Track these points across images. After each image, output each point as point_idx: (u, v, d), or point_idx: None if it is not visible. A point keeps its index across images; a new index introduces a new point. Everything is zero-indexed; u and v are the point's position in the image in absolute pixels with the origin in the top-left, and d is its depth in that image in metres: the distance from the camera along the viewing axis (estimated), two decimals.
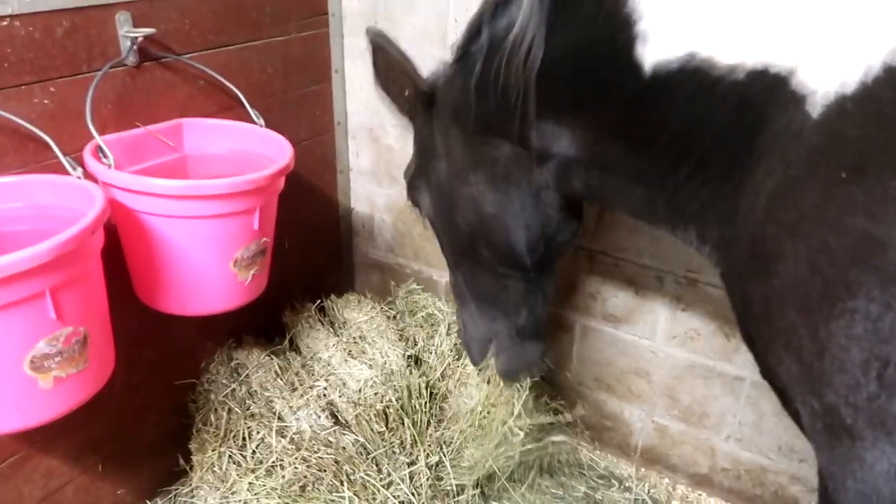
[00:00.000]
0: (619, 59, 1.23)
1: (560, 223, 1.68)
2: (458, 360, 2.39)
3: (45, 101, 1.76)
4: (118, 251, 1.84)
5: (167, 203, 1.68)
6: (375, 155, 2.77)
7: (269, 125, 2.16)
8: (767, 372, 1.16)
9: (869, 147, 0.93)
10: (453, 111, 1.60)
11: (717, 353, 2.33)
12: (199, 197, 1.69)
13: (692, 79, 1.16)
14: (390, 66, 1.63)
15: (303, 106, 2.56)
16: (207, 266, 1.81)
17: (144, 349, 2.19)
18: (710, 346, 2.34)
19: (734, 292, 1.23)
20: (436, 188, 1.75)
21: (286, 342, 2.45)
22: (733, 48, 1.12)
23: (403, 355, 2.29)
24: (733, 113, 1.14)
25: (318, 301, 2.58)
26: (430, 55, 1.89)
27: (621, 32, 1.22)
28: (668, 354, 2.41)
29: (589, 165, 1.45)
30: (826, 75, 1.00)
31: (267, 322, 2.55)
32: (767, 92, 1.08)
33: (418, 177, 1.81)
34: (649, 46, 1.20)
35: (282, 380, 2.25)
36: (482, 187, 1.62)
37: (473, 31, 1.49)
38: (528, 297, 1.83)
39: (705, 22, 1.15)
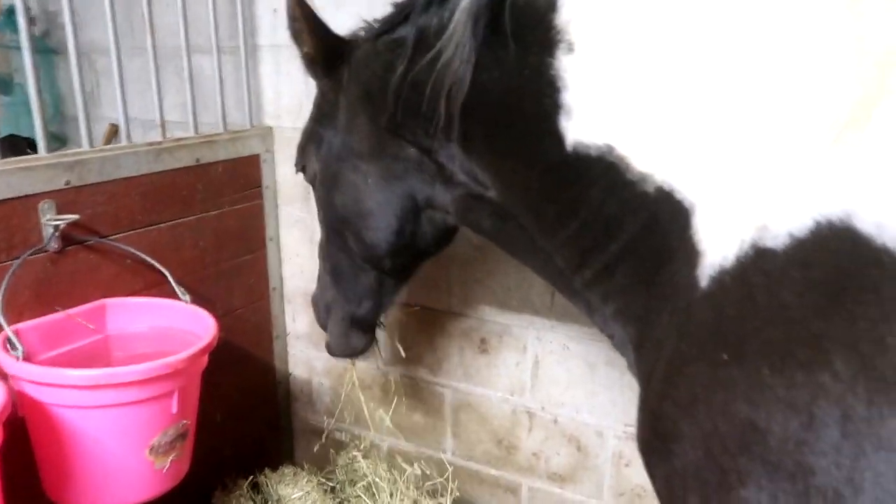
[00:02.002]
0: (543, 125, 1.18)
1: (434, 240, 1.65)
2: None
3: None
4: (24, 443, 1.75)
5: (77, 394, 1.63)
6: (312, 319, 2.75)
7: (201, 296, 2.16)
8: None
9: (745, 331, 0.92)
10: (365, 95, 1.50)
11: None
12: (111, 386, 1.63)
13: (608, 173, 1.12)
14: (306, 16, 1.53)
15: (237, 275, 2.58)
16: (121, 456, 1.72)
17: None
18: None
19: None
20: (324, 159, 1.66)
21: None
22: (647, 156, 1.08)
23: None
24: (644, 226, 1.11)
25: (251, 477, 2.46)
26: None
27: (547, 97, 1.16)
28: None
29: (497, 214, 1.42)
30: (715, 239, 1.00)
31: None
32: (673, 219, 1.06)
33: (310, 141, 1.72)
34: (573, 123, 1.14)
35: None
36: (371, 181, 1.55)
37: (401, 16, 1.41)
38: (375, 293, 1.80)
39: (626, 117, 1.10)
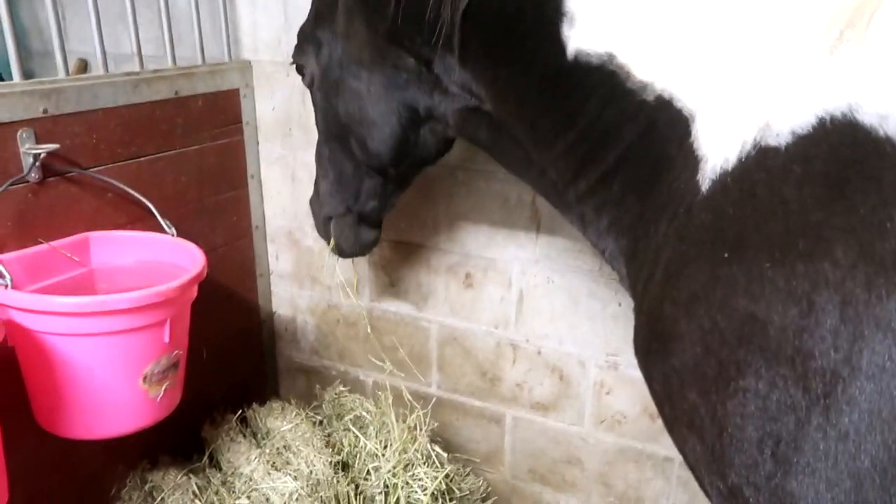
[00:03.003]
0: (544, 33, 1.18)
1: (436, 149, 1.68)
2: (387, 458, 2.32)
3: None
4: (15, 373, 1.74)
5: (68, 321, 1.61)
6: (296, 257, 2.77)
7: (183, 233, 2.14)
8: (678, 448, 1.16)
9: (745, 227, 0.95)
10: (363, 0, 1.50)
11: (645, 434, 2.34)
12: (104, 313, 1.62)
13: (608, 82, 1.13)
14: None
15: (219, 212, 2.55)
16: (114, 385, 1.72)
17: (46, 479, 2.03)
18: (638, 429, 2.35)
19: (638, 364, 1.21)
20: (325, 64, 1.66)
21: (205, 459, 2.32)
22: (648, 64, 1.09)
23: (330, 463, 2.20)
24: (642, 135, 1.12)
25: (240, 411, 2.48)
26: None
27: (549, 4, 1.16)
28: (597, 440, 2.41)
29: (493, 127, 1.44)
30: (715, 143, 1.02)
31: (184, 438, 2.42)
32: (672, 127, 1.08)
33: (309, 42, 1.70)
34: (575, 31, 1.15)
35: (200, 501, 2.11)
36: (373, 89, 1.55)
37: None
38: (380, 194, 1.85)
39: (628, 24, 1.10)
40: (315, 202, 1.99)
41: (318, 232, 2.06)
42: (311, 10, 1.71)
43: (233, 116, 2.55)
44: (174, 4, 2.43)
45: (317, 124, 1.82)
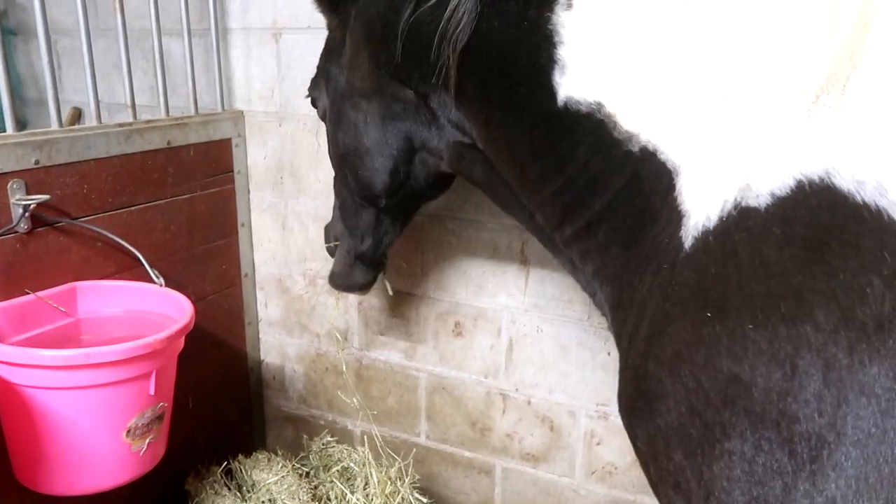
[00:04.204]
0: (536, 79, 1.20)
1: (427, 183, 1.69)
2: None
3: None
4: None
5: (53, 374, 1.59)
6: (285, 305, 2.76)
7: (173, 281, 2.13)
8: None
9: (728, 287, 0.95)
10: (368, 34, 1.52)
11: (636, 486, 2.31)
12: (88, 366, 1.61)
13: (596, 131, 1.15)
14: None
15: (208, 260, 2.55)
16: (96, 439, 1.70)
17: None
18: (629, 480, 2.33)
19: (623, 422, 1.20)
20: (332, 96, 1.71)
21: None
22: (634, 115, 1.11)
23: None
24: (627, 185, 1.13)
25: (225, 463, 2.44)
26: None
27: (543, 51, 1.19)
28: (588, 492, 2.38)
29: (487, 164, 1.46)
30: (698, 200, 1.03)
31: (168, 490, 2.37)
32: (656, 180, 1.09)
33: (321, 75, 1.77)
34: (566, 78, 1.17)
35: None
36: (370, 119, 1.59)
37: None
38: (376, 230, 1.86)
39: (617, 75, 1.12)
40: (329, 226, 2.03)
41: (328, 252, 2.08)
42: (324, 46, 1.77)
43: (224, 165, 2.57)
44: (169, 55, 2.48)
45: (329, 156, 1.86)
